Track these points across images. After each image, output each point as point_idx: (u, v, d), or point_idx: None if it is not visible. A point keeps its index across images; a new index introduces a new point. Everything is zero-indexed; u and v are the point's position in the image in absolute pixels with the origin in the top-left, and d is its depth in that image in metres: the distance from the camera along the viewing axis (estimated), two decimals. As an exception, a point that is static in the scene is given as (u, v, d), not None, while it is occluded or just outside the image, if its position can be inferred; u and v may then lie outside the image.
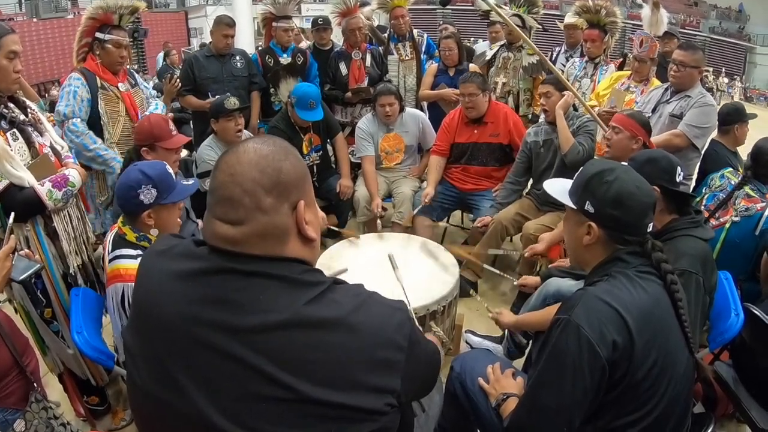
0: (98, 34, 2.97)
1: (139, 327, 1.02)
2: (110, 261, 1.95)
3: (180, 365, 0.93)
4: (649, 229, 1.45)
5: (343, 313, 0.95)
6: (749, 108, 3.79)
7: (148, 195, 1.89)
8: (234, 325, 0.91)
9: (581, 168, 1.54)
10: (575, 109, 3.38)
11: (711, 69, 22.83)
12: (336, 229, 3.56)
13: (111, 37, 2.96)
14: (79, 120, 2.89)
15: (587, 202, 1.44)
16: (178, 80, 3.62)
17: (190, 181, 2.11)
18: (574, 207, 1.49)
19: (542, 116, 3.44)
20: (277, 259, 0.96)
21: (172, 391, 0.94)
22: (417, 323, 1.12)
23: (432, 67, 4.67)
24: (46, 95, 10.75)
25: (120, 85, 3.03)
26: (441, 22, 6.53)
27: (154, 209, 1.93)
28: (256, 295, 0.93)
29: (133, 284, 1.79)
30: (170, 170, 2.01)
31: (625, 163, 1.52)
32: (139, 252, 1.92)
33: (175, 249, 1.03)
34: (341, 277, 2.60)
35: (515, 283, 2.64)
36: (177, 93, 3.88)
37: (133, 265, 1.88)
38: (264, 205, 0.94)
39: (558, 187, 1.59)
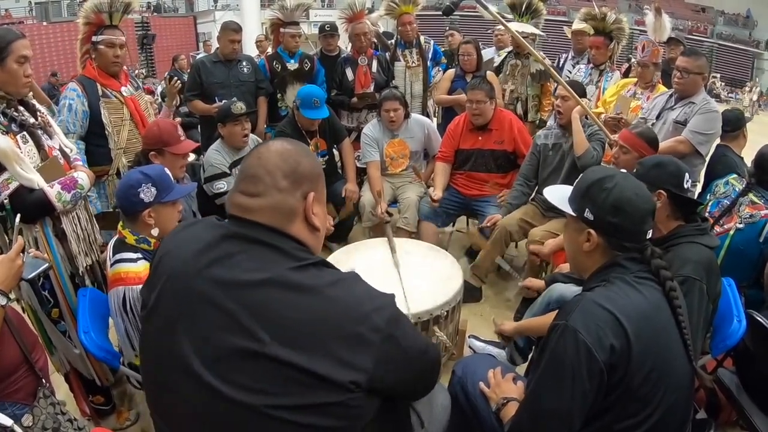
0: (93, 38, 2.87)
1: (152, 281, 1.15)
2: (112, 265, 1.99)
3: (179, 313, 1.06)
4: (649, 236, 1.46)
5: (321, 283, 1.05)
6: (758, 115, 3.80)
7: (148, 193, 1.97)
8: (227, 280, 1.04)
9: (580, 176, 1.55)
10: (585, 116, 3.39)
11: (719, 75, 22.77)
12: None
13: (102, 38, 2.84)
14: (72, 137, 2.75)
15: (586, 209, 1.45)
16: (178, 81, 3.63)
17: (187, 183, 2.17)
18: (574, 214, 1.50)
19: (550, 120, 3.44)
20: (278, 232, 1.10)
21: (167, 337, 1.06)
22: (407, 320, 1.15)
23: (449, 72, 4.73)
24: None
25: (123, 89, 2.93)
26: (447, 28, 6.55)
27: (154, 208, 2.00)
28: (252, 257, 1.06)
29: (133, 287, 1.87)
30: (168, 173, 2.10)
31: (624, 170, 1.53)
32: (139, 255, 1.97)
33: (200, 222, 1.23)
34: (345, 260, 2.65)
35: (520, 284, 2.63)
36: (178, 93, 3.83)
37: (133, 268, 1.93)
38: (280, 185, 1.11)
39: (558, 195, 1.60)
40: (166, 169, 2.11)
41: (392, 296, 1.12)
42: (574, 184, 1.55)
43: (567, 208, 1.53)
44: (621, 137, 2.73)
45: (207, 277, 1.04)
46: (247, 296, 1.01)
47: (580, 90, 3.53)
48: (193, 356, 1.01)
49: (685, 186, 1.98)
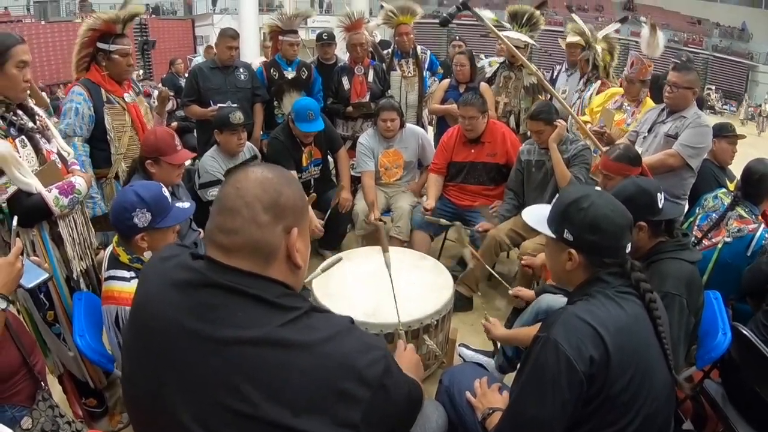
0: (102, 45, 2.88)
1: (134, 325, 1.12)
2: (105, 280, 1.98)
3: (164, 365, 1.00)
4: (628, 250, 1.49)
5: (314, 339, 0.99)
6: (750, 128, 3.85)
7: (142, 218, 1.91)
8: (211, 336, 0.97)
9: (557, 196, 1.59)
10: (567, 130, 3.43)
11: (713, 87, 22.89)
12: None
13: (117, 47, 2.87)
14: (78, 140, 2.83)
15: (566, 230, 1.49)
16: (164, 88, 3.64)
17: (186, 204, 2.11)
18: (554, 236, 1.53)
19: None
20: (259, 278, 1.02)
21: (154, 388, 1.01)
22: (396, 365, 1.10)
23: (444, 82, 4.75)
24: (55, 96, 10.97)
25: (126, 95, 2.96)
26: (456, 37, 6.63)
27: (148, 232, 1.94)
28: (235, 311, 0.99)
29: (126, 307, 1.83)
30: (166, 193, 2.02)
31: (599, 188, 1.56)
32: (132, 274, 1.93)
33: (174, 259, 1.10)
34: (336, 266, 2.65)
35: (510, 292, 2.66)
36: (174, 97, 3.85)
37: (126, 287, 1.90)
38: (259, 220, 1.02)
39: (536, 217, 1.63)
40: (163, 188, 2.03)
41: (383, 344, 1.08)
42: (551, 205, 1.58)
43: (546, 230, 1.56)
44: (602, 166, 2.76)
45: (188, 330, 0.99)
46: (234, 355, 0.96)
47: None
48: (183, 410, 0.96)
49: (659, 206, 1.99)
